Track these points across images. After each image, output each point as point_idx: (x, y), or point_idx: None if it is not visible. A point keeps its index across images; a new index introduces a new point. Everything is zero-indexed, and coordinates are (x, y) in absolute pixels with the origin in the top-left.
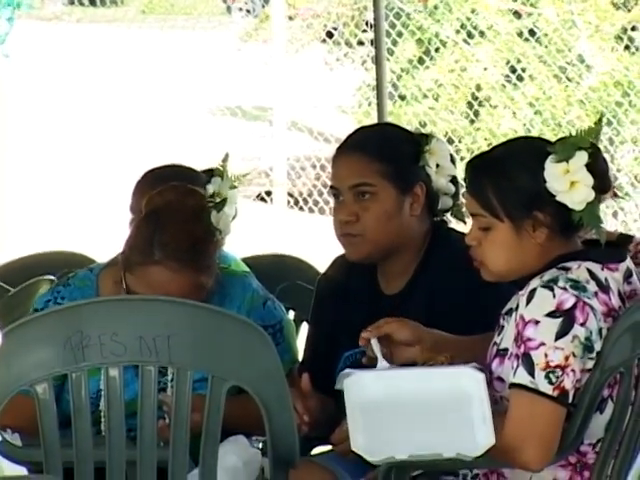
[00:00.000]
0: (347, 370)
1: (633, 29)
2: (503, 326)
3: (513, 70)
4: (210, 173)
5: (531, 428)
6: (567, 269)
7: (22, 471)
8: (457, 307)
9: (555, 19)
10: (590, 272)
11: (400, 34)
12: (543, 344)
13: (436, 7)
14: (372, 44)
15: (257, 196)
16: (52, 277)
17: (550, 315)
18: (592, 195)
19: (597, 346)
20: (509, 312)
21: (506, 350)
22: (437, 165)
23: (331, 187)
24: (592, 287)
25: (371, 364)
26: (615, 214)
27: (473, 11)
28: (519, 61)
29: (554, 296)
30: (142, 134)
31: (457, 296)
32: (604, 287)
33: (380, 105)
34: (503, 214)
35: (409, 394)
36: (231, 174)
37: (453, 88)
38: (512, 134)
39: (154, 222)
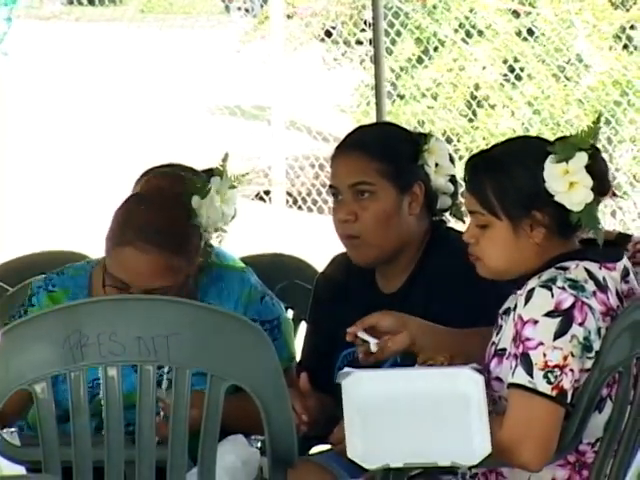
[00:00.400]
0: (347, 369)
1: (631, 28)
2: (501, 326)
3: (511, 69)
4: (210, 173)
5: (530, 428)
6: (565, 269)
7: (21, 470)
8: (455, 306)
9: (553, 18)
10: (588, 272)
11: (399, 33)
12: (542, 344)
13: (435, 6)
14: (371, 43)
15: (256, 195)
16: None
17: (548, 315)
18: (591, 196)
19: (596, 346)
20: (507, 312)
21: (504, 350)
22: (436, 164)
23: (330, 186)
24: (590, 287)
25: (366, 359)
26: (614, 213)
27: (471, 10)
28: (517, 60)
29: (552, 296)
30: (141, 133)
31: (455, 295)
32: (602, 286)
33: (379, 104)
34: (501, 212)
35: (407, 395)
36: (231, 174)
37: (452, 87)
38: (511, 133)
39: (132, 204)
